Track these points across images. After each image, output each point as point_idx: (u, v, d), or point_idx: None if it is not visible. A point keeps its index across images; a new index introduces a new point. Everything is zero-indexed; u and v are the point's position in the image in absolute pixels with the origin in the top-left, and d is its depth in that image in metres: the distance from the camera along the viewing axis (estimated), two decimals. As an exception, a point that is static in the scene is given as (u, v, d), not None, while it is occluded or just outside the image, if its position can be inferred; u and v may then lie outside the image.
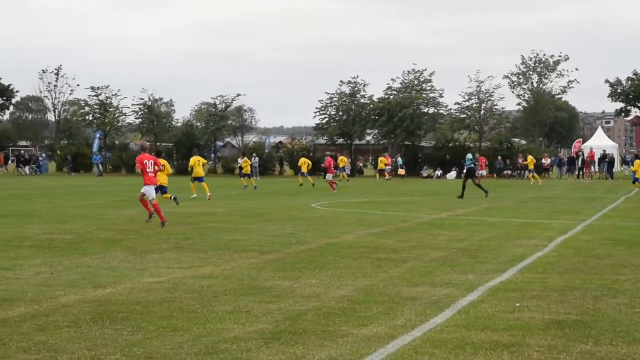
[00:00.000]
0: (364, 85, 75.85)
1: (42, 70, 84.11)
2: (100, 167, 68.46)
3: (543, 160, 64.72)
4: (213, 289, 10.41)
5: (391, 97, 73.76)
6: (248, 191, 38.74)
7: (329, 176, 42.62)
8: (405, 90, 73.84)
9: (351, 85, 75.77)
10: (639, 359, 7.16)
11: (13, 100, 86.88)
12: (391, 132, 71.91)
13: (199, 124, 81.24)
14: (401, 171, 64.03)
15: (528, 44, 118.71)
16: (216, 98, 78.47)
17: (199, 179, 32.85)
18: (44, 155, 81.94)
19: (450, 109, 75.13)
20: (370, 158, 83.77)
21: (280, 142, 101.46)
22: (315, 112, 76.66)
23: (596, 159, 66.59)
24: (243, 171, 43.49)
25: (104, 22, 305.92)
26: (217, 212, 24.50)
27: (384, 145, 76.70)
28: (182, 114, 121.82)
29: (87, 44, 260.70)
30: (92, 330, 8.00)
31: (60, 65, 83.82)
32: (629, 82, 78.68)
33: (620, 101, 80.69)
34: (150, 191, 19.79)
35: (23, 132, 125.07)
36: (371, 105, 74.58)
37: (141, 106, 79.12)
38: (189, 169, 35.40)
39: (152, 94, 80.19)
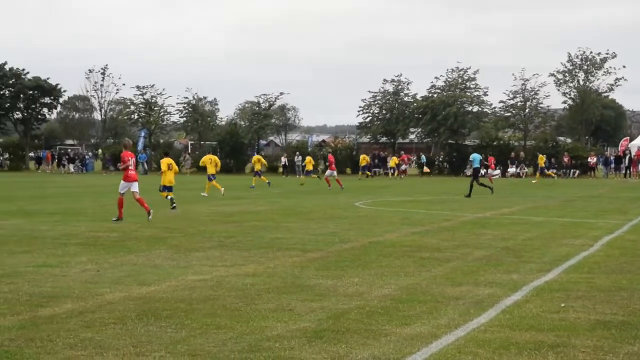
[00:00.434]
0: (408, 84, 75.81)
1: (89, 69, 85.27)
2: (145, 165, 69.06)
3: (589, 159, 63.97)
4: (256, 287, 10.45)
5: (435, 95, 73.50)
6: (287, 189, 38.80)
7: (328, 172, 42.06)
8: (449, 88, 73.53)
9: (395, 83, 75.68)
10: (688, 361, 7.05)
11: (60, 100, 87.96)
12: (435, 131, 71.68)
13: (242, 123, 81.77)
14: (426, 169, 64.03)
15: (575, 41, 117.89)
16: (260, 97, 78.99)
17: (212, 177, 33.33)
18: (90, 153, 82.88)
19: (495, 108, 74.70)
20: (413, 157, 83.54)
21: (324, 141, 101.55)
22: (358, 111, 76.77)
23: (644, 157, 65.54)
24: (255, 169, 42.70)
25: (150, 22, 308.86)
26: (259, 210, 24.59)
27: (427, 143, 76.46)
28: (226, 112, 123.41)
29: (132, 43, 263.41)
30: (137, 327, 8.08)
31: (107, 65, 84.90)
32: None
33: (669, 99, 79.36)
34: (127, 186, 20.57)
35: (70, 131, 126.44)
36: (415, 104, 74.38)
37: (185, 105, 79.79)
38: (201, 164, 35.79)
39: (196, 93, 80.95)
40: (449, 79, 74.23)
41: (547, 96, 73.93)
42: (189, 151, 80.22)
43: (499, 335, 7.80)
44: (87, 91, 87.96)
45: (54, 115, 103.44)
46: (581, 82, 75.51)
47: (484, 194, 33.69)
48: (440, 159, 70.93)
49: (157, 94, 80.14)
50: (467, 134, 76.13)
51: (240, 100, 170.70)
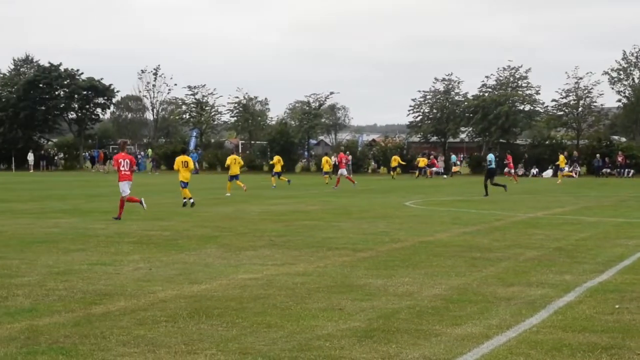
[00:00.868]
0: (459, 83, 75.31)
1: (142, 70, 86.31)
2: (197, 165, 69.54)
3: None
4: (306, 286, 10.48)
5: (486, 94, 72.92)
6: (338, 188, 38.82)
7: (341, 171, 41.96)
8: (501, 87, 72.90)
9: (445, 82, 75.25)
10: None
11: (114, 100, 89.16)
12: (486, 130, 71.11)
13: (293, 123, 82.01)
14: (455, 168, 63.62)
15: (630, 38, 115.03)
16: (310, 96, 79.12)
17: (235, 177, 33.63)
18: (142, 153, 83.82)
19: (547, 106, 73.82)
20: (463, 156, 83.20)
21: (374, 140, 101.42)
22: (409, 110, 76.51)
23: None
24: (274, 170, 42.44)
25: (201, 22, 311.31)
26: (310, 210, 24.65)
27: (478, 143, 75.90)
28: (276, 112, 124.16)
29: (184, 43, 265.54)
30: (188, 325, 8.15)
31: (159, 65, 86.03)
32: None
33: None
34: (124, 187, 21.28)
35: (123, 130, 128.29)
36: (466, 103, 73.89)
37: (236, 105, 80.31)
38: (225, 166, 36.14)
39: (247, 93, 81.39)
40: (500, 78, 73.62)
41: (600, 94, 72.88)
42: (240, 151, 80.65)
43: (551, 337, 7.72)
44: (140, 91, 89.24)
45: (107, 115, 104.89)
46: (636, 80, 74.27)
47: (538, 194, 33.30)
48: (452, 159, 70.30)
49: (208, 94, 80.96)
50: (519, 133, 75.40)
51: (290, 100, 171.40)
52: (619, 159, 63.06)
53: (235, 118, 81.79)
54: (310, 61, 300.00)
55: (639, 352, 7.19)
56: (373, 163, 74.11)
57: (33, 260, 12.83)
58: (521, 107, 72.85)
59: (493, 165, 34.32)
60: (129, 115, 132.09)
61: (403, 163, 62.79)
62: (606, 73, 73.71)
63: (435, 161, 66.25)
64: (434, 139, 75.87)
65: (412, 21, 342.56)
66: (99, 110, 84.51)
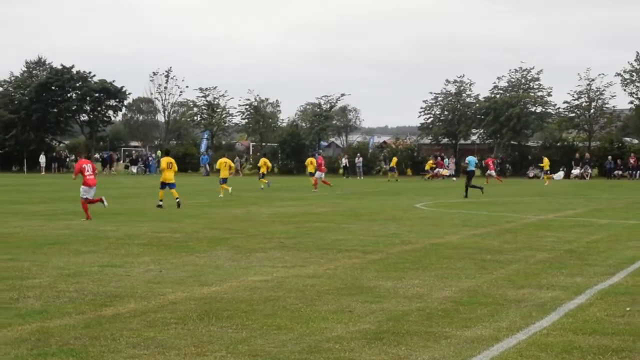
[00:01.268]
0: (470, 85, 75.23)
1: (153, 72, 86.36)
2: (208, 167, 69.59)
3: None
4: (316, 288, 10.48)
5: (497, 96, 72.79)
6: (348, 190, 38.80)
7: (317, 174, 41.91)
8: (512, 89, 72.76)
9: (457, 84, 75.18)
10: None
11: (125, 102, 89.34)
12: (497, 132, 70.97)
13: (304, 124, 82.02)
14: (444, 172, 63.32)
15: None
16: (321, 98, 79.15)
17: (224, 180, 33.90)
18: (153, 155, 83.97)
19: (559, 108, 73.63)
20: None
21: (385, 142, 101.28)
22: (420, 112, 76.50)
23: None
24: (260, 171, 42.90)
25: (213, 24, 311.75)
26: (320, 211, 24.65)
27: (490, 144, 75.74)
28: (287, 114, 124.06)
29: (196, 45, 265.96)
30: (198, 327, 8.16)
31: (170, 68, 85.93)
32: None
33: None
34: (88, 190, 21.55)
35: (134, 132, 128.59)
36: (477, 105, 73.77)
37: (247, 107, 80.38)
38: (216, 169, 36.40)
39: (258, 95, 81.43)
40: (511, 80, 73.49)
41: (613, 96, 72.60)
42: (250, 152, 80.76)
43: (561, 339, 7.69)
44: (151, 93, 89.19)
45: (119, 118, 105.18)
46: (649, 82, 73.98)
47: (549, 196, 33.19)
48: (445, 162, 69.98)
49: (220, 96, 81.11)
50: (530, 135, 75.21)
51: (301, 101, 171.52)
52: (631, 160, 62.80)
53: (246, 120, 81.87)
54: (321, 63, 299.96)
55: (650, 355, 7.16)
56: (384, 165, 74.03)
57: (44, 262, 12.87)
58: (533, 109, 72.70)
59: (472, 168, 35.49)
60: (141, 117, 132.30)
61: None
62: (619, 75, 73.47)
63: (443, 163, 65.94)
64: (445, 140, 75.76)
65: (425, 22, 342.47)
66: (110, 112, 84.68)
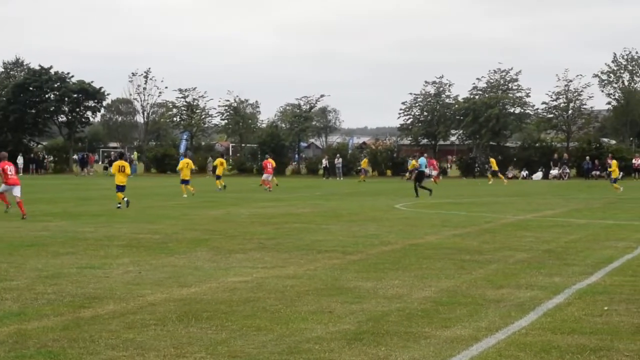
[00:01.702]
0: (449, 85, 75.44)
1: (132, 73, 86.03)
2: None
3: (633, 161, 63.16)
4: (296, 289, 10.47)
5: (477, 97, 73.09)
6: (324, 191, 38.81)
7: (265, 176, 42.25)
8: (491, 90, 73.08)
9: (436, 85, 75.39)
10: None
11: (104, 103, 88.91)
12: (476, 133, 71.26)
13: (283, 125, 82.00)
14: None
15: (620, 41, 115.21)
16: (301, 99, 79.16)
17: (186, 182, 34.09)
18: (131, 156, 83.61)
19: (537, 109, 74.02)
20: (452, 159, 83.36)
21: (364, 143, 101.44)
22: (399, 113, 76.59)
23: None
24: (216, 172, 43.44)
25: (192, 25, 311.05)
26: (300, 212, 24.64)
27: (469, 145, 76.04)
28: (267, 115, 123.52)
29: (174, 46, 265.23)
30: (177, 329, 8.14)
31: (150, 68, 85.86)
32: None
33: None
34: (13, 190, 22.99)
35: (113, 133, 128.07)
36: (456, 106, 74.03)
37: (227, 107, 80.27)
38: (177, 170, 36.84)
39: (237, 96, 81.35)
40: (490, 80, 73.81)
41: (590, 97, 73.16)
42: (230, 153, 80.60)
43: (540, 339, 7.73)
44: (130, 94, 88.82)
45: (97, 118, 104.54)
46: (626, 83, 74.59)
47: (528, 196, 33.32)
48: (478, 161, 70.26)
49: (199, 97, 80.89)
50: (509, 136, 75.55)
51: (281, 102, 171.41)
52: (609, 161, 63.16)
53: (225, 121, 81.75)
54: (301, 64, 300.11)
55: (628, 353, 7.21)
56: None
57: (22, 264, 12.79)
58: (511, 110, 73.04)
59: (423, 169, 36.31)
60: (120, 118, 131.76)
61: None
62: (596, 76, 74.06)
63: (435, 162, 65.73)
64: (425, 141, 75.95)
65: (404, 24, 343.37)
66: (89, 113, 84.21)
